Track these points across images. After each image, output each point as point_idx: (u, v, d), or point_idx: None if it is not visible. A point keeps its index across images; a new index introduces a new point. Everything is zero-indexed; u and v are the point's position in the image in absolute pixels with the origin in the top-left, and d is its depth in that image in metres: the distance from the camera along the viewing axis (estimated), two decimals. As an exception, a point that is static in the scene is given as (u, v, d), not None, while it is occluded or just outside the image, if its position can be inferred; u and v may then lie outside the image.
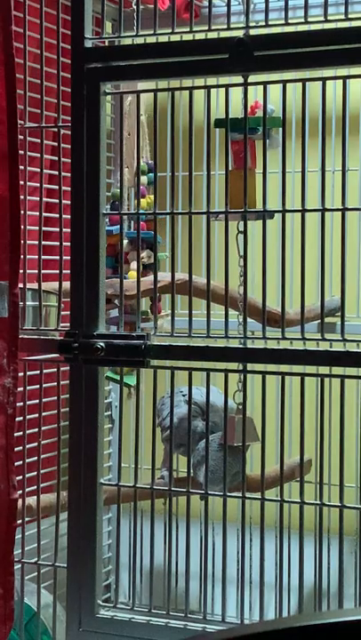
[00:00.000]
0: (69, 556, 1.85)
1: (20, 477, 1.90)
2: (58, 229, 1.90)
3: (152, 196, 1.86)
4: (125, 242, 1.99)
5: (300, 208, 1.69)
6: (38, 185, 1.93)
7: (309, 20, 1.67)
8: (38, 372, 1.92)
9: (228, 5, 1.73)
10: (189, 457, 1.85)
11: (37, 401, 1.92)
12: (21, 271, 1.88)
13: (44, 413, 1.93)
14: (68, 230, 1.84)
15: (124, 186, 2.03)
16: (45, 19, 1.92)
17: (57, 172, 1.90)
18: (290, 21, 1.70)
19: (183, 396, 1.90)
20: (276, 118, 1.78)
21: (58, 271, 1.89)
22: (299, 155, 1.77)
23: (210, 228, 1.75)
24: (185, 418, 1.88)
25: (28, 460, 1.92)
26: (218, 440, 1.90)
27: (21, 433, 1.91)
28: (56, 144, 1.93)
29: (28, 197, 1.91)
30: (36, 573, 1.95)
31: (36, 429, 1.92)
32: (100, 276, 1.81)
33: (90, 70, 1.80)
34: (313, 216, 1.70)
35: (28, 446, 1.92)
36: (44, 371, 1.93)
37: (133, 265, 1.99)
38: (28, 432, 1.92)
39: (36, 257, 1.90)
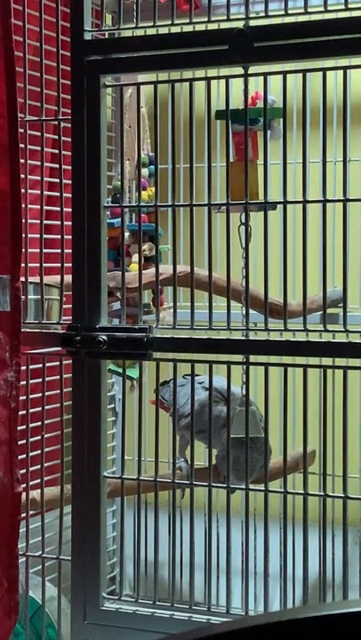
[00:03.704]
0: (74, 548, 1.86)
1: (24, 471, 1.90)
2: (59, 222, 1.90)
3: (153, 188, 1.86)
4: (127, 234, 1.99)
5: (302, 199, 1.69)
6: (39, 178, 1.92)
7: (309, 10, 1.66)
8: (41, 365, 1.92)
9: (228, -4, 1.72)
10: (210, 443, 1.83)
11: (40, 394, 1.92)
12: (23, 265, 1.88)
13: (47, 407, 1.93)
14: (70, 223, 1.84)
15: (125, 178, 2.03)
16: (45, 11, 1.91)
17: (58, 165, 1.90)
18: (290, 12, 1.70)
19: (200, 383, 1.89)
20: (277, 109, 1.78)
21: (59, 264, 1.89)
22: (300, 145, 1.77)
23: (211, 220, 1.75)
24: (206, 404, 1.87)
25: (31, 454, 1.92)
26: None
27: (24, 426, 1.91)
28: (56, 137, 1.93)
29: (28, 191, 1.90)
30: (40, 566, 1.95)
31: (40, 423, 1.92)
32: (101, 269, 1.81)
33: (90, 63, 1.80)
34: (315, 207, 1.70)
35: (31, 440, 1.92)
36: (47, 364, 1.93)
37: (135, 257, 1.98)
38: (31, 425, 1.92)
39: (38, 250, 1.90)
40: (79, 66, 1.80)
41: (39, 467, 1.92)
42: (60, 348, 1.86)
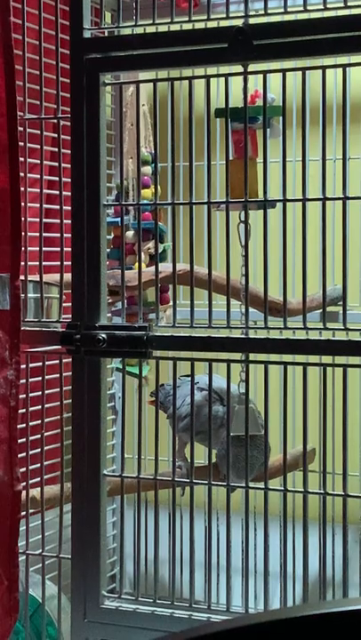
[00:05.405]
0: (74, 547, 1.86)
1: (24, 469, 1.90)
2: (59, 221, 1.90)
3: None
4: (131, 233, 1.99)
5: (301, 197, 1.69)
6: (39, 177, 1.92)
7: (309, 8, 1.66)
8: (41, 363, 1.92)
9: (227, -6, 1.72)
10: (210, 443, 1.83)
11: (40, 393, 1.92)
12: (22, 263, 1.88)
13: (46, 405, 1.93)
14: (69, 222, 1.84)
15: (128, 177, 2.02)
16: (44, 9, 1.91)
17: (57, 164, 1.90)
18: (289, 10, 1.69)
19: (195, 384, 1.89)
20: (277, 107, 1.78)
21: (59, 263, 1.89)
22: (299, 144, 1.77)
23: (211, 218, 1.75)
24: (203, 405, 1.86)
25: (31, 452, 1.92)
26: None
27: (24, 425, 1.91)
28: (56, 135, 1.93)
29: (28, 189, 1.90)
30: (40, 565, 1.95)
31: (39, 421, 1.92)
32: (101, 268, 1.81)
33: (89, 61, 1.80)
34: (314, 205, 1.70)
35: (31, 438, 1.92)
36: (47, 362, 1.93)
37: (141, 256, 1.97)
38: (31, 424, 1.92)
39: (37, 249, 1.90)
40: (78, 64, 1.80)
41: (39, 465, 1.92)
42: (59, 347, 1.86)
